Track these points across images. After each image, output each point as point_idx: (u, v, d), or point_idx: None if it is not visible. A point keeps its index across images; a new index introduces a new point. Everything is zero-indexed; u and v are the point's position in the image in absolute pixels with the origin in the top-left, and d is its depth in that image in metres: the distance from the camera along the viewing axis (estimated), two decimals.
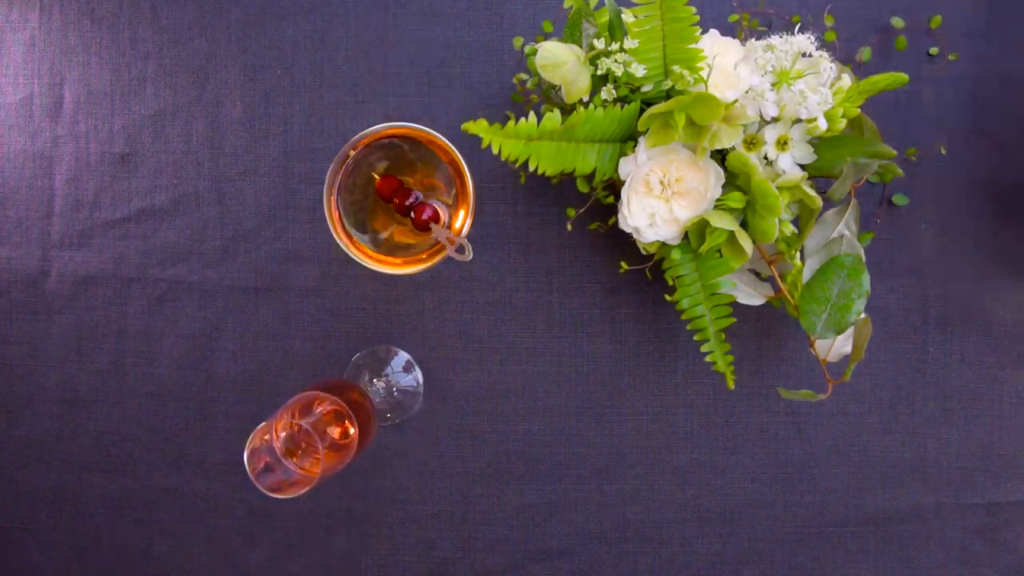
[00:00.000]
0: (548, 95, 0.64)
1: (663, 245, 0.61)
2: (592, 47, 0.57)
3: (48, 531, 0.73)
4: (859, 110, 0.58)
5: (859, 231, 0.63)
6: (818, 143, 0.59)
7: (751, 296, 0.64)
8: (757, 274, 0.65)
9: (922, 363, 0.70)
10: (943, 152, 0.69)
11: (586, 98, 0.58)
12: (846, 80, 0.59)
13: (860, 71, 0.67)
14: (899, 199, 0.69)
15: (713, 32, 0.59)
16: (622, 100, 0.58)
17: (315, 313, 0.71)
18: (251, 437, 0.54)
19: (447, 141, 0.56)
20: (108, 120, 0.72)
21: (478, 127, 0.52)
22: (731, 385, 0.62)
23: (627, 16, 0.57)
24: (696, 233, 0.59)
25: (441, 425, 0.71)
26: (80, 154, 0.72)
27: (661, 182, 0.59)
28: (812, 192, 0.57)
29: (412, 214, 0.57)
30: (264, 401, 0.72)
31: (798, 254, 0.62)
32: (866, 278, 0.60)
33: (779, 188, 0.57)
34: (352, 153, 0.57)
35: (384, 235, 0.61)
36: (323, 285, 0.71)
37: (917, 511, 0.70)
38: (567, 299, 0.71)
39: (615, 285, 0.70)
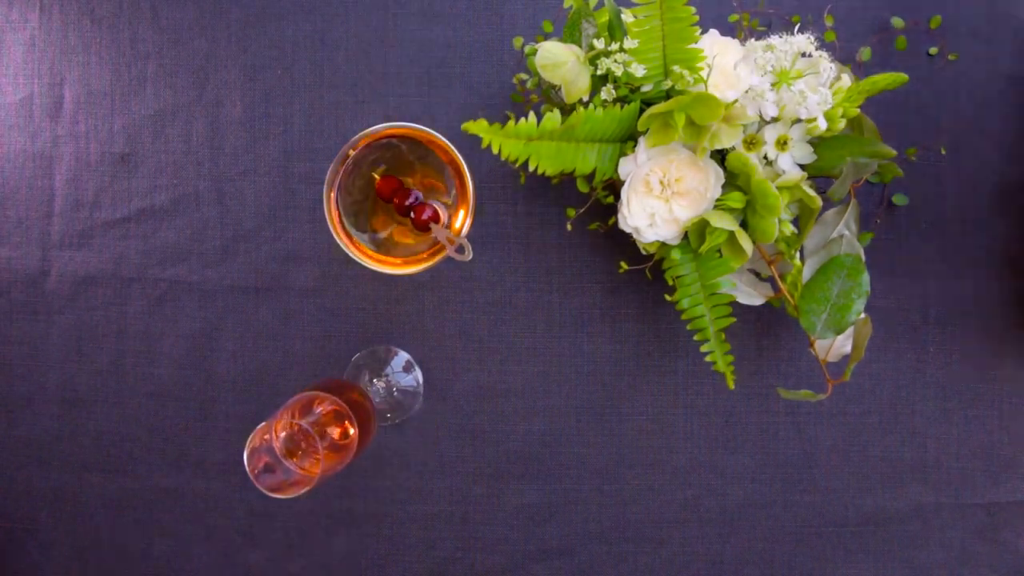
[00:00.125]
0: (548, 95, 0.64)
1: (663, 245, 0.61)
2: (592, 47, 0.57)
3: (48, 531, 0.73)
4: (859, 110, 0.58)
5: (859, 231, 0.63)
6: (818, 143, 0.59)
7: (751, 296, 0.64)
8: (757, 274, 0.65)
9: (922, 363, 0.70)
10: (943, 152, 0.69)
11: (586, 98, 0.58)
12: (846, 80, 0.59)
13: (860, 71, 0.67)
14: (899, 199, 0.69)
15: (713, 32, 0.59)
16: (622, 100, 0.58)
17: (315, 313, 0.71)
18: (251, 437, 0.54)
19: (447, 141, 0.56)
20: (108, 120, 0.72)
21: (478, 127, 0.52)
22: (731, 385, 0.62)
23: (627, 16, 0.57)
24: (696, 233, 0.59)
25: (441, 425, 0.71)
26: (80, 154, 0.72)
27: (661, 182, 0.59)
28: (812, 192, 0.57)
29: (412, 214, 0.57)
30: (264, 401, 0.72)
31: (798, 254, 0.62)
32: (866, 278, 0.60)
33: (779, 188, 0.57)
34: (352, 153, 0.57)
35: (384, 235, 0.61)
36: (323, 285, 0.71)
37: (917, 511, 0.70)
38: (567, 299, 0.71)
39: (615, 285, 0.70)
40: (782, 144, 0.58)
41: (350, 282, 0.71)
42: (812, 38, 0.57)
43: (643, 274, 0.69)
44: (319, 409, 0.60)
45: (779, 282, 0.62)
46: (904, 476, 0.70)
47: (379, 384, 0.71)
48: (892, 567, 0.70)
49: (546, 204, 0.70)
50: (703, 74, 0.56)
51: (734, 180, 0.59)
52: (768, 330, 0.70)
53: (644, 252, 0.63)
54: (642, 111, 0.58)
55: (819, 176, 0.60)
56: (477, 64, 0.70)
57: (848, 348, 0.63)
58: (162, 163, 0.72)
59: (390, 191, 0.58)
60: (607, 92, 0.57)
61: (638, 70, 0.56)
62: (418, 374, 0.71)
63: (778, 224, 0.57)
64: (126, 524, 0.72)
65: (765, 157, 0.58)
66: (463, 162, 0.56)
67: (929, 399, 0.70)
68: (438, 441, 0.71)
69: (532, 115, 0.54)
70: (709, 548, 0.71)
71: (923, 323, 0.69)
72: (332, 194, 0.58)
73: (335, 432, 0.61)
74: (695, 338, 0.62)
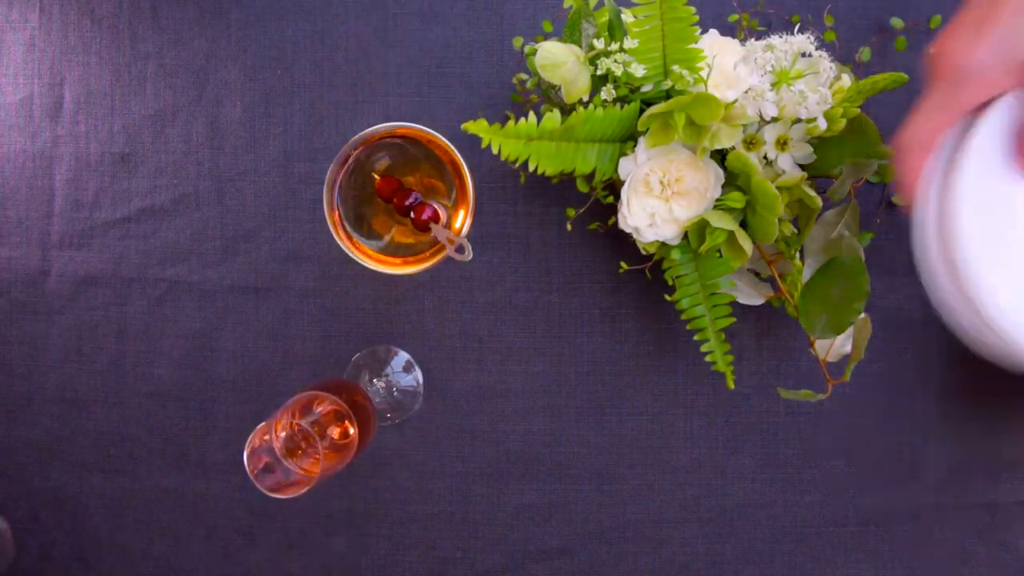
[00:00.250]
0: (548, 95, 0.64)
1: (663, 245, 0.61)
2: (592, 47, 0.57)
3: (48, 531, 0.73)
4: (859, 110, 0.58)
5: (859, 231, 0.63)
6: (818, 143, 0.59)
7: (751, 296, 0.64)
8: (757, 274, 0.65)
9: (922, 363, 0.70)
10: None
11: (586, 98, 0.58)
12: (846, 80, 0.59)
13: (860, 71, 0.67)
14: (899, 199, 0.69)
15: (713, 32, 0.59)
16: (622, 100, 0.58)
17: (315, 313, 0.71)
18: (251, 437, 0.54)
19: (447, 141, 0.56)
20: (108, 120, 0.72)
21: (478, 127, 0.52)
22: (731, 385, 0.62)
23: (627, 16, 0.57)
24: (696, 233, 0.59)
25: (441, 425, 0.71)
26: (80, 154, 0.72)
27: (661, 182, 0.59)
28: (812, 192, 0.57)
29: (412, 214, 0.57)
30: (264, 401, 0.72)
31: (798, 254, 0.62)
32: (866, 278, 0.60)
33: (779, 188, 0.57)
34: (352, 153, 0.57)
35: (384, 235, 0.61)
36: (323, 285, 0.71)
37: (917, 511, 0.70)
38: (567, 299, 0.71)
39: (615, 285, 0.70)
40: (782, 144, 0.58)
41: (350, 282, 0.71)
42: (812, 38, 0.57)
43: (643, 274, 0.69)
44: (319, 409, 0.60)
45: (779, 282, 0.62)
46: (904, 476, 0.70)
47: (379, 384, 0.71)
48: (892, 567, 0.70)
49: (546, 204, 0.70)
50: (703, 74, 0.56)
51: (734, 180, 0.59)
52: (768, 330, 0.70)
53: (644, 252, 0.63)
54: (642, 111, 0.58)
55: (819, 176, 0.60)
56: (477, 64, 0.70)
57: (848, 348, 0.63)
58: (162, 163, 0.72)
59: (390, 191, 0.58)
60: (607, 92, 0.57)
61: (638, 70, 0.56)
62: (418, 374, 0.71)
63: (778, 224, 0.57)
64: (126, 524, 0.72)
65: (765, 157, 0.58)
66: (463, 162, 0.56)
67: (929, 399, 0.70)
68: (438, 441, 0.71)
69: (532, 115, 0.54)
70: (709, 548, 0.70)
71: (923, 323, 0.69)
72: (332, 194, 0.58)
73: (335, 432, 0.61)
74: (695, 338, 0.62)
